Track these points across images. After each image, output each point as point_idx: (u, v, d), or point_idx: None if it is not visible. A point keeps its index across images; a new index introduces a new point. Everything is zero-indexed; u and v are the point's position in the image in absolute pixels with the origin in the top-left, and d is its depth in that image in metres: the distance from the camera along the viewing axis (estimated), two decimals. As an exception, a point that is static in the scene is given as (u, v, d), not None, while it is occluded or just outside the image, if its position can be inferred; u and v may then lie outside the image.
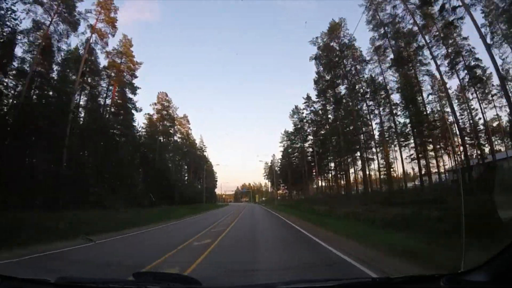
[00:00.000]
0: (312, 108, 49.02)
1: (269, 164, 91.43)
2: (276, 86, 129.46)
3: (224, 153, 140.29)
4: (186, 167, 72.77)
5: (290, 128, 63.27)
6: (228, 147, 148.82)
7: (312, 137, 51.36)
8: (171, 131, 53.06)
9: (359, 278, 2.14)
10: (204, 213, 25.77)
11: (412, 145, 31.49)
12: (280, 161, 49.33)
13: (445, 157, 35.21)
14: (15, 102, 17.69)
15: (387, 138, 33.67)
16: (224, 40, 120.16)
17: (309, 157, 53.70)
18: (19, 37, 18.31)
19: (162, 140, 48.31)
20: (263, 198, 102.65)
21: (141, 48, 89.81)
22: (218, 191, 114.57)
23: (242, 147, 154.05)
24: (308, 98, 49.99)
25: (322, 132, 47.27)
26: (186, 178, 73.37)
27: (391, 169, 34.43)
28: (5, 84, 17.23)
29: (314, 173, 53.27)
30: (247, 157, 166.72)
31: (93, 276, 2.17)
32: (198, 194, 64.34)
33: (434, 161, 32.11)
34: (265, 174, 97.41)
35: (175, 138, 57.03)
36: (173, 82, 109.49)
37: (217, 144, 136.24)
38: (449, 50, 23.99)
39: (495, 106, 28.27)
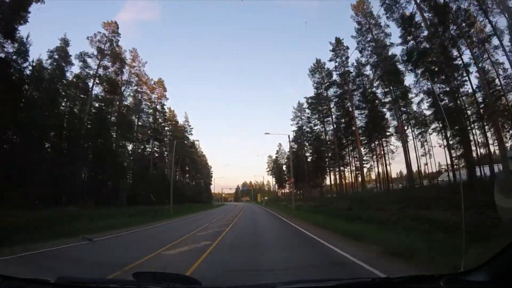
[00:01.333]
0: (345, 57, 36.91)
1: (274, 157, 79.85)
2: (277, 85, 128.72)
3: (226, 153, 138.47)
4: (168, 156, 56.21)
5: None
6: (229, 147, 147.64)
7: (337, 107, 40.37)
8: (121, 78, 36.75)
9: (359, 278, 2.14)
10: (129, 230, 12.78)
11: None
12: (290, 150, 39.14)
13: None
14: None
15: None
16: (224, 40, 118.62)
17: (328, 142, 42.98)
18: None
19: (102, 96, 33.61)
20: (265, 198, 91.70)
21: (142, 47, 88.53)
22: (217, 190, 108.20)
23: (243, 146, 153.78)
24: (338, 42, 37.32)
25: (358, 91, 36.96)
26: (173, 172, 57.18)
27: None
28: None
29: (345, 157, 42.51)
30: (249, 156, 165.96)
31: None
32: (185, 192, 51.47)
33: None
34: (268, 170, 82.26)
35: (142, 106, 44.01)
36: (173, 82, 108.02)
37: (217, 144, 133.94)
38: None
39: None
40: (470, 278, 1.55)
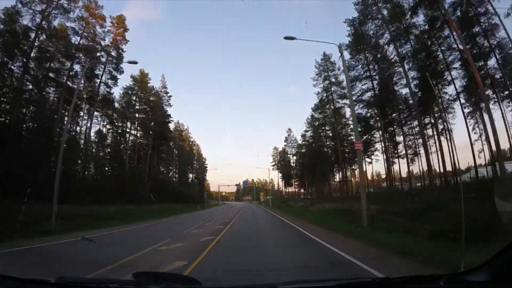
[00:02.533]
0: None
1: (281, 148, 68.79)
2: (279, 83, 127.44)
3: (227, 153, 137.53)
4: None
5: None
6: (231, 146, 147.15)
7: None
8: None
9: (359, 278, 2.16)
10: None
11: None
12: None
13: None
14: None
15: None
16: (227, 38, 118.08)
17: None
18: None
19: None
20: (268, 197, 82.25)
21: (144, 46, 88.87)
22: (220, 188, 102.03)
23: (246, 145, 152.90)
24: None
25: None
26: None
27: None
28: None
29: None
30: (251, 156, 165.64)
31: None
32: (162, 188, 41.00)
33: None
34: (274, 163, 70.77)
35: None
36: (173, 82, 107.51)
37: (219, 144, 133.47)
38: None
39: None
40: (470, 278, 1.58)
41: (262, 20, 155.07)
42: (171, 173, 55.09)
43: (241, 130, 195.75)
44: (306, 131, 45.31)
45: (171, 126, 48.60)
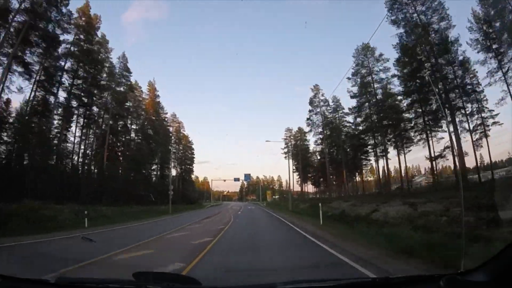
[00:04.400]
0: None
1: (295, 130, 58.92)
2: (282, 82, 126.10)
3: (230, 151, 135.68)
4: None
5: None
6: (234, 145, 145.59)
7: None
8: None
9: (358, 278, 2.15)
10: None
11: None
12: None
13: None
14: None
15: None
16: (225, 39, 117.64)
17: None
18: None
19: None
20: (275, 197, 77.81)
21: (148, 45, 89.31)
22: (222, 187, 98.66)
23: (248, 145, 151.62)
24: None
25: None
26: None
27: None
28: None
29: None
30: (254, 155, 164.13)
31: None
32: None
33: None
34: (286, 150, 55.97)
35: None
36: (175, 81, 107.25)
37: (221, 144, 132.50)
38: None
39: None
40: (470, 278, 1.57)
41: (263, 18, 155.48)
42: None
43: (242, 130, 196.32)
44: (354, 75, 34.94)
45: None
